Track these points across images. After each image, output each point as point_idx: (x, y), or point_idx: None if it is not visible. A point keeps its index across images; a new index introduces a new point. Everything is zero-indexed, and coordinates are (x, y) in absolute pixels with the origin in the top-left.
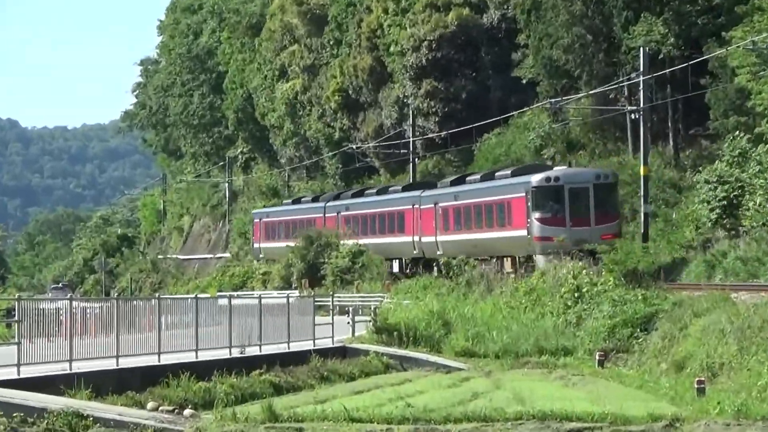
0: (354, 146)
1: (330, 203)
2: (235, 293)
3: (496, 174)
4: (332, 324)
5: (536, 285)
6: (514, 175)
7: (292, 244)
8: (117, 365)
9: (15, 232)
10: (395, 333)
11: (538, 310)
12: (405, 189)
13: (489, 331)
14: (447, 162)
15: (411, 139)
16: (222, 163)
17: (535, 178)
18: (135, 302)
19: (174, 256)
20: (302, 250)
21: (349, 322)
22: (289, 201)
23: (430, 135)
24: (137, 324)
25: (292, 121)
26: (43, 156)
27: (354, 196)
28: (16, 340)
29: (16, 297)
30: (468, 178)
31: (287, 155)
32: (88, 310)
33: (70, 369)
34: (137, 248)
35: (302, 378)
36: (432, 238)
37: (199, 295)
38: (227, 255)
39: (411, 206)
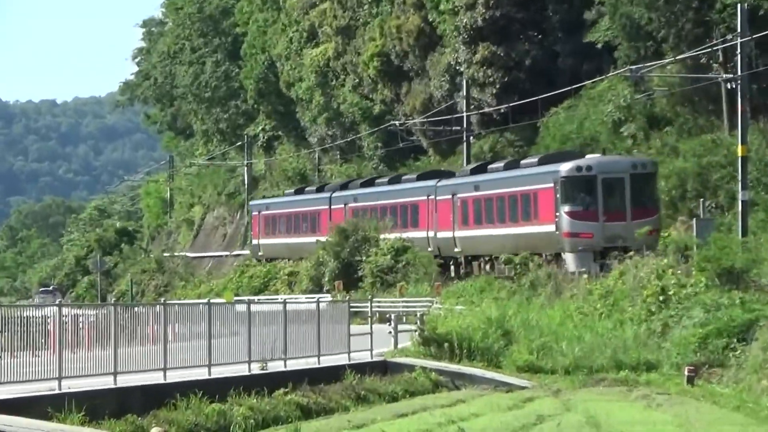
0: (397, 122)
1: (336, 194)
2: (255, 298)
3: (522, 162)
4: (371, 334)
5: (613, 287)
6: (541, 163)
7: (294, 240)
8: (115, 383)
9: None
10: (446, 344)
11: (615, 317)
12: (420, 178)
13: (557, 342)
14: (507, 142)
15: (465, 114)
16: (240, 143)
17: (565, 167)
18: (137, 309)
19: (183, 253)
20: (335, 246)
21: (390, 332)
22: (291, 191)
23: (487, 109)
24: (139, 335)
25: (322, 92)
26: (27, 135)
27: (363, 185)
28: None
29: None
30: (490, 166)
31: (317, 133)
32: (80, 319)
33: (60, 388)
34: (139, 245)
35: (335, 398)
36: (449, 233)
37: (212, 301)
38: (246, 252)
39: (426, 197)
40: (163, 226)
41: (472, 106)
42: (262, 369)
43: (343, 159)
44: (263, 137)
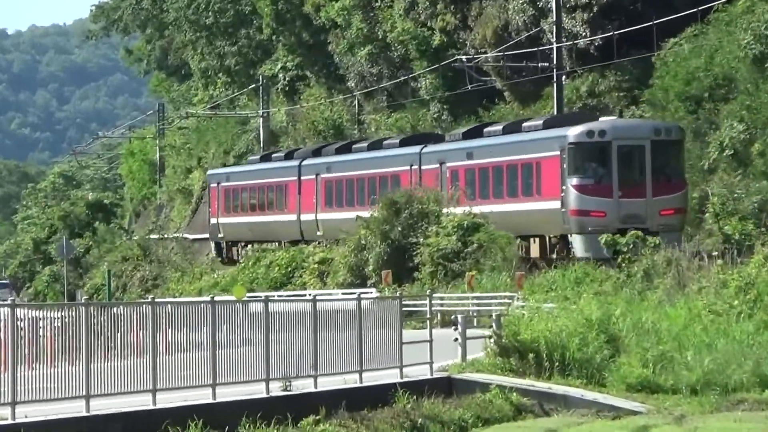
0: (463, 58)
1: (307, 162)
2: (275, 294)
3: (524, 125)
4: (430, 342)
5: (756, 277)
6: (547, 126)
7: (258, 219)
8: (87, 410)
9: None
10: (531, 355)
11: (759, 318)
12: (404, 143)
13: (681, 352)
14: (610, 83)
15: (554, 46)
16: (253, 86)
17: (573, 132)
18: (116, 310)
19: (178, 234)
20: (383, 223)
21: (457, 339)
22: (256, 158)
23: (583, 40)
24: (120, 345)
25: (364, 16)
26: None
27: (339, 151)
28: None
29: None
30: (487, 130)
31: (357, 72)
32: (41, 324)
33: (13, 417)
34: (118, 224)
35: (382, 428)
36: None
37: (217, 298)
38: None
39: (408, 167)
40: (150, 198)
41: (564, 36)
42: (285, 390)
43: (391, 107)
44: (284, 78)
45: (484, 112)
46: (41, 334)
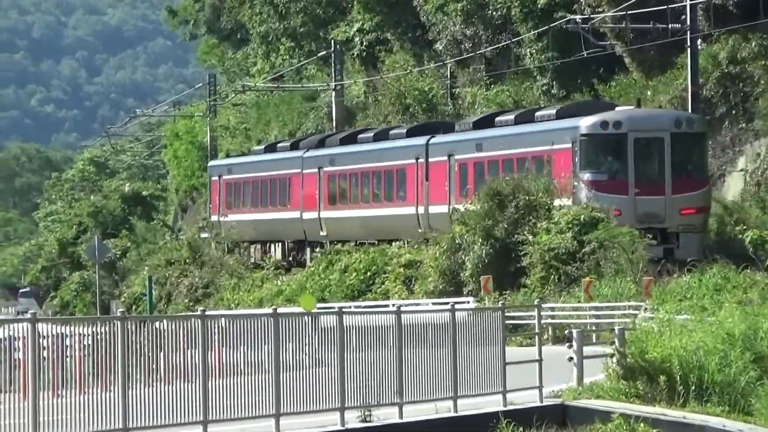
0: (577, 18)
1: (309, 153)
2: (351, 305)
3: (537, 114)
4: (539, 361)
5: None
6: (560, 116)
7: (261, 216)
8: None
9: None
10: (662, 377)
11: None
12: (411, 133)
13: None
14: (756, 49)
15: (687, 3)
16: (323, 52)
17: (586, 123)
18: (158, 324)
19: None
20: (484, 218)
21: (572, 358)
22: (261, 148)
23: None
24: (164, 367)
25: None
26: None
27: (343, 142)
28: None
29: None
30: (498, 119)
31: (449, 36)
32: (67, 341)
33: None
34: (161, 220)
35: None
36: (444, 208)
37: (281, 310)
38: None
39: (414, 160)
40: (200, 189)
41: None
42: (364, 420)
43: (490, 77)
44: (361, 43)
45: (601, 85)
46: (68, 354)
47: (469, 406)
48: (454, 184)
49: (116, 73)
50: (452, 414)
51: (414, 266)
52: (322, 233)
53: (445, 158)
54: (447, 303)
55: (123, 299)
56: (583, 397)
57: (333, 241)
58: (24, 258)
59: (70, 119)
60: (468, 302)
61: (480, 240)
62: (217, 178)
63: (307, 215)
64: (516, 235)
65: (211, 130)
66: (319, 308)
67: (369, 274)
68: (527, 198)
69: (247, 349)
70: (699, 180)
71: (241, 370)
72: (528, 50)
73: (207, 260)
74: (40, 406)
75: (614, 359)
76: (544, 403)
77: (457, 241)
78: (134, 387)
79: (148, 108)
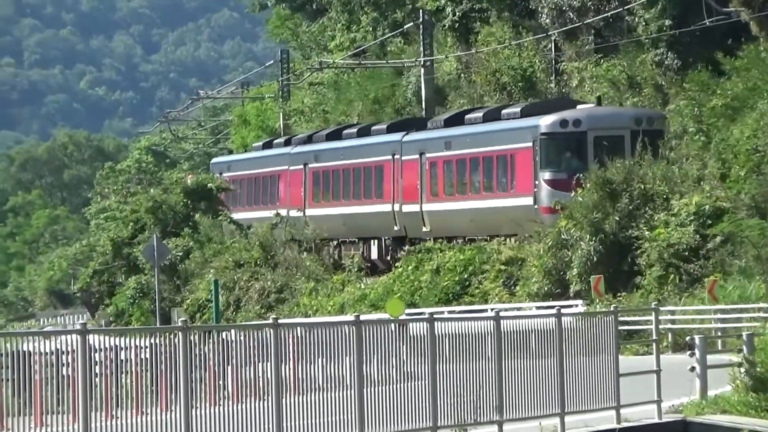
0: None
1: (297, 149)
2: (444, 310)
3: (503, 112)
4: (657, 372)
5: None
6: (524, 114)
7: (252, 215)
8: None
9: None
10: None
11: None
12: (391, 129)
13: None
14: None
15: None
16: (411, 23)
17: (546, 121)
18: (226, 335)
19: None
20: (592, 210)
21: (694, 368)
22: (260, 144)
23: None
24: (231, 383)
25: None
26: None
27: (328, 138)
28: None
29: None
30: (468, 116)
31: (553, 4)
32: (122, 355)
33: None
34: (228, 216)
35: None
36: (416, 207)
37: (365, 317)
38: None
39: (391, 156)
40: None
41: None
42: None
43: (600, 51)
44: (453, 13)
45: (724, 57)
46: (124, 369)
47: (577, 424)
48: (425, 182)
49: (176, 50)
50: None
51: (515, 264)
52: (306, 231)
53: (417, 156)
54: (552, 307)
55: (186, 306)
56: (708, 412)
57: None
58: (74, 261)
59: (124, 103)
60: (576, 306)
61: (588, 236)
62: (218, 175)
63: (293, 214)
64: (630, 230)
65: (283, 116)
66: (407, 314)
67: (464, 274)
68: (642, 187)
69: (327, 361)
70: None
71: (319, 385)
72: (641, 19)
73: (281, 261)
74: (91, 429)
75: (742, 369)
76: (663, 420)
77: (563, 237)
78: (198, 406)
79: (213, 89)
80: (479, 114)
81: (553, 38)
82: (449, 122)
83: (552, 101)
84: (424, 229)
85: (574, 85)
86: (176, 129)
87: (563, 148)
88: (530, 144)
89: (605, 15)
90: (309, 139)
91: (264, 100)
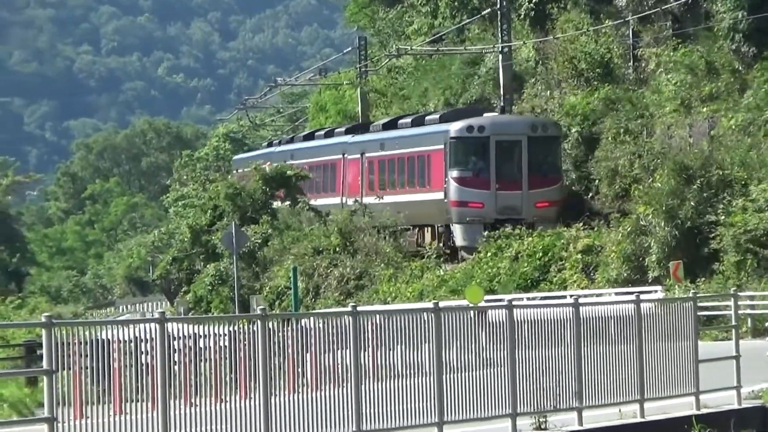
0: None
1: (280, 149)
2: (523, 296)
3: (427, 118)
4: (737, 358)
5: None
6: (442, 120)
7: (320, 201)
8: None
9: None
10: None
11: None
12: (348, 131)
13: None
14: None
15: None
16: (488, 10)
17: (455, 127)
18: (305, 322)
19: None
20: (669, 197)
21: None
22: (276, 141)
23: None
24: (311, 371)
25: None
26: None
27: (305, 138)
28: (46, 412)
29: (44, 319)
30: (401, 122)
31: None
32: (201, 343)
33: None
34: (307, 203)
35: None
36: (356, 200)
37: (444, 303)
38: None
39: (342, 155)
40: None
41: None
42: (539, 428)
43: (678, 37)
44: (529, 1)
45: None
46: (203, 357)
47: (657, 410)
48: (365, 179)
49: (254, 37)
50: (638, 419)
51: (594, 252)
52: None
53: (359, 156)
54: (631, 293)
55: (265, 294)
56: None
57: None
58: (152, 248)
59: (202, 90)
60: (655, 292)
61: (663, 222)
62: (237, 172)
63: None
64: (707, 215)
65: (362, 99)
66: (486, 301)
67: (543, 260)
68: (720, 173)
69: (406, 348)
70: (552, 177)
71: (398, 372)
72: (718, 5)
73: (360, 247)
74: (171, 416)
75: None
76: (743, 406)
77: (641, 223)
78: (277, 393)
79: (291, 76)
80: (409, 120)
81: (630, 24)
82: (386, 126)
83: (466, 109)
84: (364, 220)
85: (652, 70)
86: (254, 116)
87: (469, 150)
88: (442, 146)
89: (682, 0)
90: (291, 140)
91: (342, 86)
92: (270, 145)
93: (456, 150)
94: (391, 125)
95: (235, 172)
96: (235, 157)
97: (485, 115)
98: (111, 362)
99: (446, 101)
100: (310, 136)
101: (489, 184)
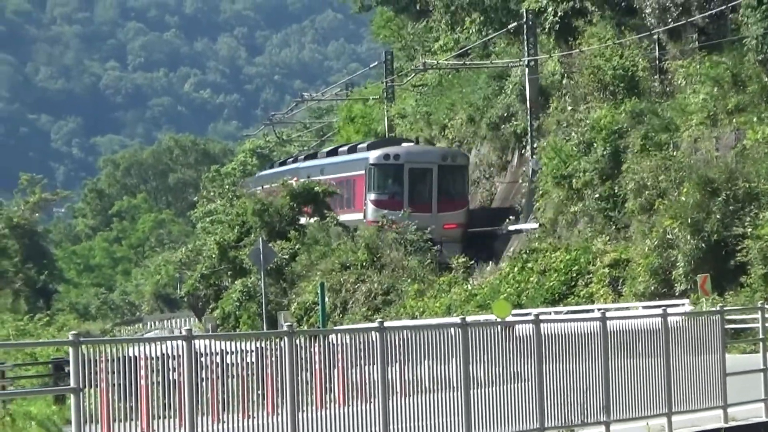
0: None
1: (263, 173)
2: (550, 310)
3: (358, 146)
4: (765, 371)
5: None
6: (369, 149)
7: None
8: None
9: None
10: None
11: None
12: (307, 158)
13: None
14: None
15: None
16: (514, 24)
17: (373, 155)
18: (333, 338)
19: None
20: (694, 210)
21: None
22: (300, 156)
23: None
24: (338, 386)
25: None
26: (123, 22)
27: (329, 154)
28: (74, 430)
29: (71, 337)
30: (340, 149)
31: (656, 2)
32: (229, 359)
33: None
34: (335, 218)
35: None
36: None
37: (471, 318)
38: (532, 225)
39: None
40: None
41: None
42: None
43: (705, 48)
44: (554, 13)
45: None
46: (231, 373)
47: (684, 423)
48: None
49: (280, 52)
50: None
51: (621, 266)
52: None
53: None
54: (659, 306)
55: (293, 310)
56: None
57: None
58: (180, 264)
59: (228, 105)
60: (683, 305)
61: (689, 235)
62: (258, 189)
63: None
64: (734, 228)
65: (389, 116)
66: (513, 315)
67: (571, 274)
68: (747, 186)
69: (433, 363)
70: (459, 202)
71: (425, 387)
72: (745, 17)
73: (387, 263)
74: None
75: None
76: None
77: (668, 236)
78: (305, 409)
79: (317, 91)
80: (346, 148)
81: (656, 37)
82: (330, 153)
83: (388, 139)
84: None
85: (678, 83)
86: (281, 131)
87: (385, 176)
88: (363, 172)
89: (709, 12)
90: (283, 164)
91: (368, 101)
92: (272, 166)
93: (374, 175)
94: (333, 152)
95: (258, 192)
96: (258, 174)
97: (403, 144)
98: (138, 379)
99: (470, 117)
100: (283, 163)
101: (402, 206)
